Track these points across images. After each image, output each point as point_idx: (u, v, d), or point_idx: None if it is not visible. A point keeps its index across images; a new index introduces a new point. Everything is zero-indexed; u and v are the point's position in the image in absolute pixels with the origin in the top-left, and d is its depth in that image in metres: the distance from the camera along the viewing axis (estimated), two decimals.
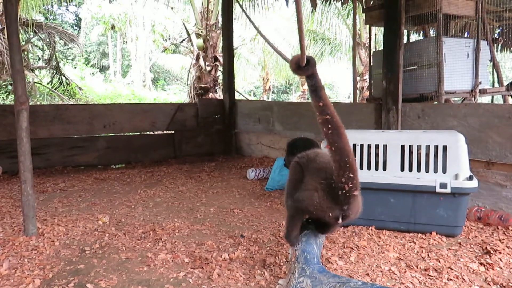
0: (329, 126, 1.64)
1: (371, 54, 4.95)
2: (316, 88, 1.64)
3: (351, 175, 1.64)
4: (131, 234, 2.71)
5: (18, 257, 2.30)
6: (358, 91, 10.25)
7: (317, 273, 1.78)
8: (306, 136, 3.77)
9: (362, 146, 2.84)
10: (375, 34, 5.03)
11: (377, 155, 2.83)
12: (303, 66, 1.59)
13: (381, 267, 2.21)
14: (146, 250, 2.45)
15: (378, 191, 2.76)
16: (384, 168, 2.78)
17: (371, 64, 4.86)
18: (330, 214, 1.75)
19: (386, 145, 2.79)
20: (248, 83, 22.51)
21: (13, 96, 10.13)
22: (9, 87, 10.34)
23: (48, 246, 2.47)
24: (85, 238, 2.65)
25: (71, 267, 2.20)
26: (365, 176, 2.79)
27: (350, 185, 1.65)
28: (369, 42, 5.15)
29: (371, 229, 2.77)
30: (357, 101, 7.59)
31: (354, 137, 2.91)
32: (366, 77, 11.49)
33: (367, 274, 2.11)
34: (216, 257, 2.30)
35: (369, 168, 2.82)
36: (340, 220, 1.78)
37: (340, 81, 26.56)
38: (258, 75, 21.54)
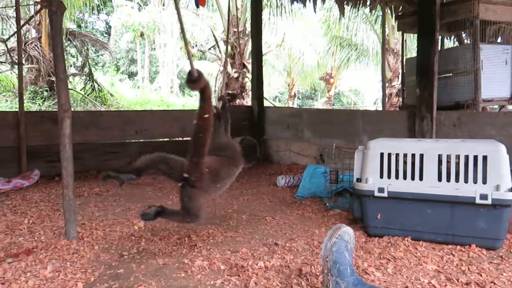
0: (198, 130, 2.12)
1: (404, 61, 4.88)
2: (202, 99, 2.02)
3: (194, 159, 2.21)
4: (166, 240, 2.76)
5: (60, 260, 2.37)
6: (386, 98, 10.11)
7: (352, 287, 1.76)
8: (335, 143, 3.80)
9: (397, 155, 2.80)
10: (405, 41, 4.95)
11: (412, 164, 2.78)
12: (195, 79, 1.90)
13: (420, 280, 2.17)
14: (182, 256, 2.48)
15: (414, 201, 2.71)
16: (421, 178, 2.73)
17: (404, 71, 4.80)
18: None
19: (422, 154, 2.74)
20: (273, 89, 22.55)
21: (49, 102, 10.52)
22: (45, 93, 10.71)
23: (88, 250, 2.54)
24: (122, 242, 2.71)
25: (111, 271, 2.26)
26: (400, 186, 2.75)
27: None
28: (402, 49, 5.09)
29: (407, 240, 2.72)
30: (386, 108, 7.49)
31: (388, 145, 2.88)
32: (394, 83, 11.34)
33: (406, 287, 2.08)
34: (252, 265, 2.31)
35: (405, 177, 2.77)
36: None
37: (365, 87, 26.29)
38: (283, 81, 21.57)
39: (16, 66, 6.46)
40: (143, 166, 2.24)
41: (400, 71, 10.85)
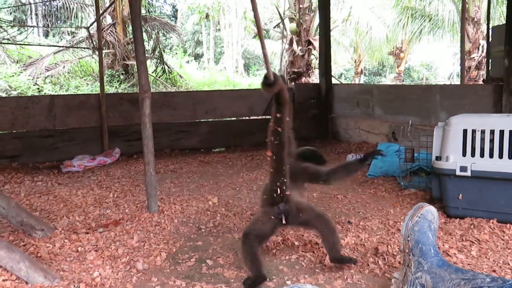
0: (277, 137, 1.81)
1: (490, 29, 4.47)
2: (279, 102, 1.78)
3: (284, 180, 1.89)
4: (240, 215, 2.84)
5: (144, 231, 2.55)
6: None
7: (436, 268, 1.68)
8: (411, 120, 3.58)
9: (483, 131, 2.60)
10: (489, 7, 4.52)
11: (500, 141, 2.57)
12: (271, 83, 1.67)
13: (509, 264, 2.03)
14: None
15: (502, 181, 2.51)
16: (510, 157, 2.52)
17: (490, 40, 4.40)
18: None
19: None
20: (339, 66, 21.92)
21: (124, 84, 11.14)
22: (121, 76, 11.36)
23: (168, 223, 2.70)
24: (199, 217, 2.84)
25: (190, 243, 2.38)
26: (486, 164, 2.56)
27: (283, 188, 1.89)
28: (488, 15, 4.65)
29: (493, 222, 2.54)
30: (464, 82, 6.96)
31: (472, 121, 2.68)
32: (474, 55, 10.48)
33: (494, 271, 1.95)
34: None
35: (491, 156, 2.57)
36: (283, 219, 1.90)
37: (438, 61, 24.61)
38: (349, 58, 20.85)
39: (96, 51, 6.90)
40: (257, 263, 1.89)
41: (481, 41, 10.02)
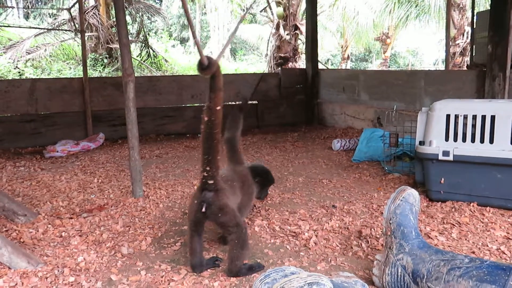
0: (209, 125, 1.74)
1: (475, 15, 4.50)
2: (211, 89, 1.70)
3: (208, 168, 1.79)
4: None
5: (129, 216, 2.53)
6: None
7: (417, 250, 1.72)
8: (395, 105, 3.60)
9: (465, 116, 2.64)
10: None
11: (482, 126, 2.61)
12: (205, 66, 1.61)
13: (487, 246, 2.08)
14: None
15: (482, 165, 2.57)
16: (491, 141, 2.56)
17: (474, 26, 4.43)
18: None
19: (494, 115, 2.56)
20: (325, 52, 21.86)
21: (108, 68, 10.94)
22: (105, 60, 11.14)
23: (153, 207, 2.69)
24: (184, 201, 2.84)
25: (176, 228, 2.38)
26: (468, 149, 2.60)
27: (206, 174, 1.81)
28: (473, 2, 4.67)
29: (473, 206, 2.60)
30: (449, 68, 7.03)
31: (456, 106, 2.71)
32: (459, 41, 10.56)
33: (473, 252, 2.01)
34: (311, 225, 2.33)
35: (473, 140, 2.62)
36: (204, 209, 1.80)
37: (424, 48, 24.72)
38: (336, 43, 20.80)
39: (78, 34, 6.74)
40: (191, 250, 1.89)
41: (466, 27, 10.09)
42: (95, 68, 10.90)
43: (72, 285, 1.75)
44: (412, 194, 1.84)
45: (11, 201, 2.44)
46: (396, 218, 1.81)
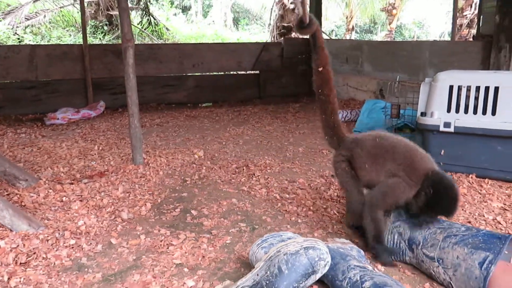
0: (321, 78, 1.74)
1: None
2: (315, 46, 1.71)
3: (334, 118, 1.82)
4: (226, 168, 2.86)
5: (130, 182, 2.55)
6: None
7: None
8: (399, 77, 3.51)
9: (469, 88, 2.61)
10: None
11: (485, 98, 2.59)
12: (306, 25, 1.61)
13: (484, 216, 2.10)
14: (241, 184, 2.57)
15: (484, 137, 2.55)
16: (493, 113, 2.54)
17: None
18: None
19: (497, 87, 2.53)
20: (330, 23, 21.42)
21: (109, 36, 10.77)
22: (105, 27, 10.96)
23: (153, 175, 2.71)
24: (184, 169, 2.85)
25: (175, 195, 2.40)
26: (469, 121, 2.59)
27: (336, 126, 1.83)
28: None
29: (472, 177, 2.61)
30: (455, 40, 6.89)
31: (459, 77, 2.68)
32: (466, 12, 10.32)
33: (469, 222, 2.03)
34: (309, 193, 2.35)
35: (475, 112, 2.59)
36: None
37: (431, 20, 24.17)
38: (341, 14, 20.36)
39: (78, 0, 6.59)
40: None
41: None
42: (95, 35, 10.74)
43: (72, 247, 1.78)
44: None
45: (12, 166, 2.46)
46: None
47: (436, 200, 1.58)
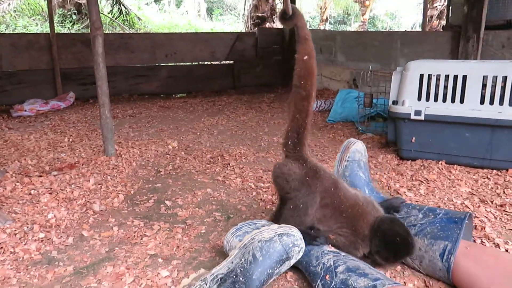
0: (305, 68, 1.59)
1: None
2: (299, 37, 1.62)
3: (307, 121, 1.60)
4: (200, 159, 2.84)
5: (101, 174, 2.49)
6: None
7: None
8: (371, 66, 3.56)
9: (438, 77, 2.67)
10: None
11: (454, 86, 2.65)
12: (288, 16, 1.58)
13: (452, 201, 2.16)
14: (216, 173, 2.56)
15: (452, 124, 2.62)
16: (462, 101, 2.61)
17: None
18: None
19: (465, 75, 2.59)
20: (304, 13, 21.47)
21: (78, 25, 10.44)
22: (74, 16, 10.61)
23: (126, 166, 2.65)
24: (158, 160, 2.81)
25: (149, 186, 2.36)
26: (439, 109, 2.65)
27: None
28: None
29: (441, 164, 2.68)
30: (426, 30, 7.03)
31: (429, 66, 2.73)
32: (437, 4, 10.54)
33: (438, 206, 2.08)
34: None
35: (444, 100, 2.66)
36: None
37: (403, 11, 24.59)
38: (315, 4, 20.43)
39: None
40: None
41: None
42: (63, 25, 10.39)
43: (42, 241, 1.72)
44: (357, 150, 1.83)
45: None
46: (347, 181, 1.80)
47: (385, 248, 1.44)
